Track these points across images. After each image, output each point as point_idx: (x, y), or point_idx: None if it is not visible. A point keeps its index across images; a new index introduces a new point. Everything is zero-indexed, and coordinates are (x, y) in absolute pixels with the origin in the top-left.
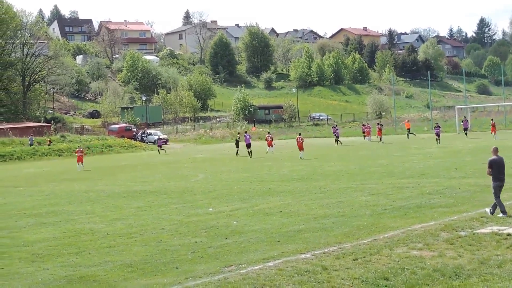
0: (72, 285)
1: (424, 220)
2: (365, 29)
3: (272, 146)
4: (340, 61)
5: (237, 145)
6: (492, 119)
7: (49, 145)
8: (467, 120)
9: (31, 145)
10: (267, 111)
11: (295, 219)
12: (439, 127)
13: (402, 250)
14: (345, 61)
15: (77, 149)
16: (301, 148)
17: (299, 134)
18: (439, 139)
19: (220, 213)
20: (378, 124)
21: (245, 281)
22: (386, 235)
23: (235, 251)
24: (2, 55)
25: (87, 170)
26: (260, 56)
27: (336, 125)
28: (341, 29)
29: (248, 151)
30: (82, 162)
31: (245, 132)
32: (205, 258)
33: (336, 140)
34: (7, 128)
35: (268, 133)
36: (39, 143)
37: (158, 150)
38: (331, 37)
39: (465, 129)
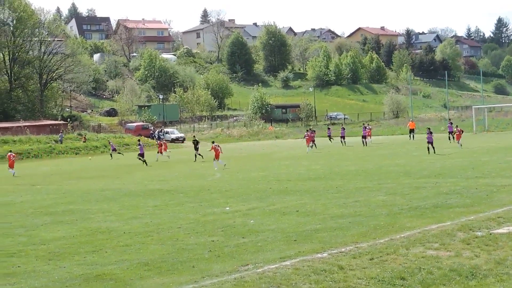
0: (88, 284)
1: (441, 220)
2: (382, 28)
3: (311, 144)
4: (357, 60)
5: (196, 149)
6: (457, 126)
7: (84, 141)
8: (452, 124)
9: (61, 142)
10: (284, 110)
11: (311, 218)
12: (431, 132)
13: (418, 250)
14: (363, 60)
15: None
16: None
17: (307, 130)
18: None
19: (236, 212)
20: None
21: (261, 280)
22: (402, 235)
23: (252, 250)
24: (19, 53)
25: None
26: (277, 55)
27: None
28: (359, 28)
29: (141, 159)
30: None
31: (139, 141)
32: (222, 257)
33: (330, 138)
34: (24, 126)
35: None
36: (56, 141)
37: (111, 154)
38: (348, 36)
39: (450, 133)
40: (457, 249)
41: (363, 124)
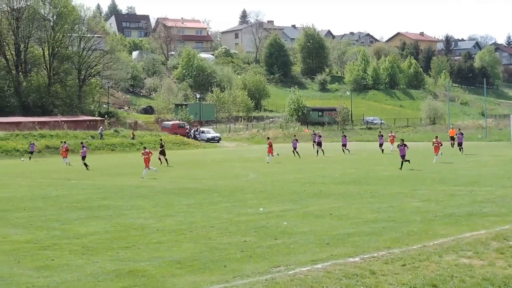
0: (120, 279)
1: (475, 229)
2: (422, 34)
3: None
4: (395, 65)
5: (162, 153)
6: (436, 137)
7: (132, 138)
8: (462, 134)
9: (101, 137)
10: (320, 113)
11: (345, 222)
12: (405, 145)
13: (451, 257)
14: (401, 65)
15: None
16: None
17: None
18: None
19: (270, 213)
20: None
21: (292, 282)
22: (436, 242)
23: (284, 251)
24: (59, 48)
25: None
26: (315, 57)
27: (319, 133)
28: (398, 33)
29: (84, 163)
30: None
31: (82, 143)
32: (254, 258)
33: (318, 144)
34: (61, 121)
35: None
36: (92, 137)
37: (29, 157)
38: (387, 41)
39: (459, 144)
40: (491, 258)
41: (379, 132)
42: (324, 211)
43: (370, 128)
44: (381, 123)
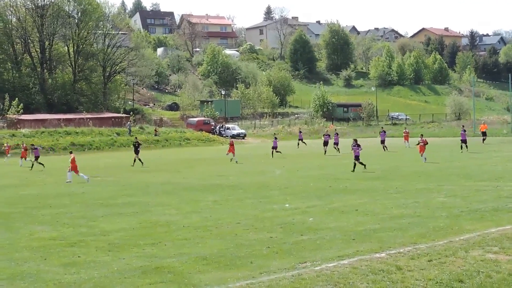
0: (147, 276)
1: (501, 224)
2: (446, 29)
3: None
4: (420, 60)
5: (136, 152)
6: (421, 135)
7: (155, 135)
8: (465, 131)
9: (129, 133)
10: (345, 109)
11: (370, 218)
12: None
13: (477, 253)
14: (426, 61)
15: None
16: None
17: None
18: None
19: (295, 210)
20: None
21: (319, 278)
22: (461, 237)
23: (310, 247)
24: (84, 45)
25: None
26: (340, 53)
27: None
28: (422, 29)
29: (40, 163)
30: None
31: (32, 145)
32: (280, 254)
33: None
34: (87, 118)
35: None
36: (118, 134)
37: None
38: (412, 36)
39: (463, 141)
40: None
41: (381, 128)
42: (349, 207)
43: (395, 124)
44: (406, 118)
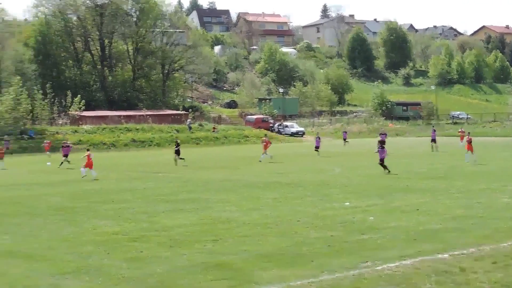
0: (208, 272)
1: None
2: (507, 27)
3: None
4: (481, 59)
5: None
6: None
7: (213, 131)
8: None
9: (189, 129)
10: (404, 108)
11: (432, 218)
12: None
13: None
14: (486, 59)
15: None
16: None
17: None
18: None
19: (356, 208)
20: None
21: (380, 278)
22: None
23: (371, 247)
24: (142, 43)
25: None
26: (398, 51)
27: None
28: (483, 27)
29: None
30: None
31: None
32: (341, 253)
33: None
34: (146, 115)
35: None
36: (177, 131)
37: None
38: (472, 34)
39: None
40: None
41: (432, 126)
42: (411, 206)
43: (456, 123)
44: (467, 118)
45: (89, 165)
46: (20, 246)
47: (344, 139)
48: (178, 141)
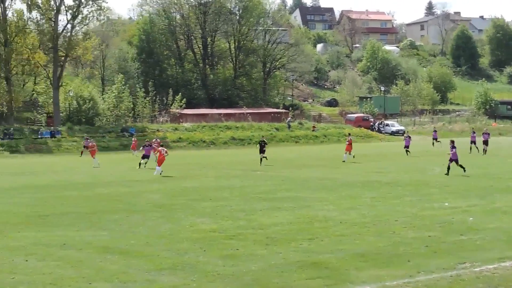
0: (303, 271)
1: None
2: None
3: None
4: None
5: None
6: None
7: (313, 130)
8: (474, 133)
9: (289, 127)
10: (509, 107)
11: None
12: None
13: None
14: None
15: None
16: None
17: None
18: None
19: (455, 209)
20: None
21: (478, 279)
22: None
23: (470, 248)
24: (244, 42)
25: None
26: (504, 49)
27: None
28: None
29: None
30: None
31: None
32: (438, 253)
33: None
34: (247, 113)
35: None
36: (277, 129)
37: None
38: None
39: (472, 142)
40: None
41: (472, 128)
42: None
43: None
44: None
45: (160, 161)
46: (117, 243)
47: (435, 139)
48: (265, 139)
